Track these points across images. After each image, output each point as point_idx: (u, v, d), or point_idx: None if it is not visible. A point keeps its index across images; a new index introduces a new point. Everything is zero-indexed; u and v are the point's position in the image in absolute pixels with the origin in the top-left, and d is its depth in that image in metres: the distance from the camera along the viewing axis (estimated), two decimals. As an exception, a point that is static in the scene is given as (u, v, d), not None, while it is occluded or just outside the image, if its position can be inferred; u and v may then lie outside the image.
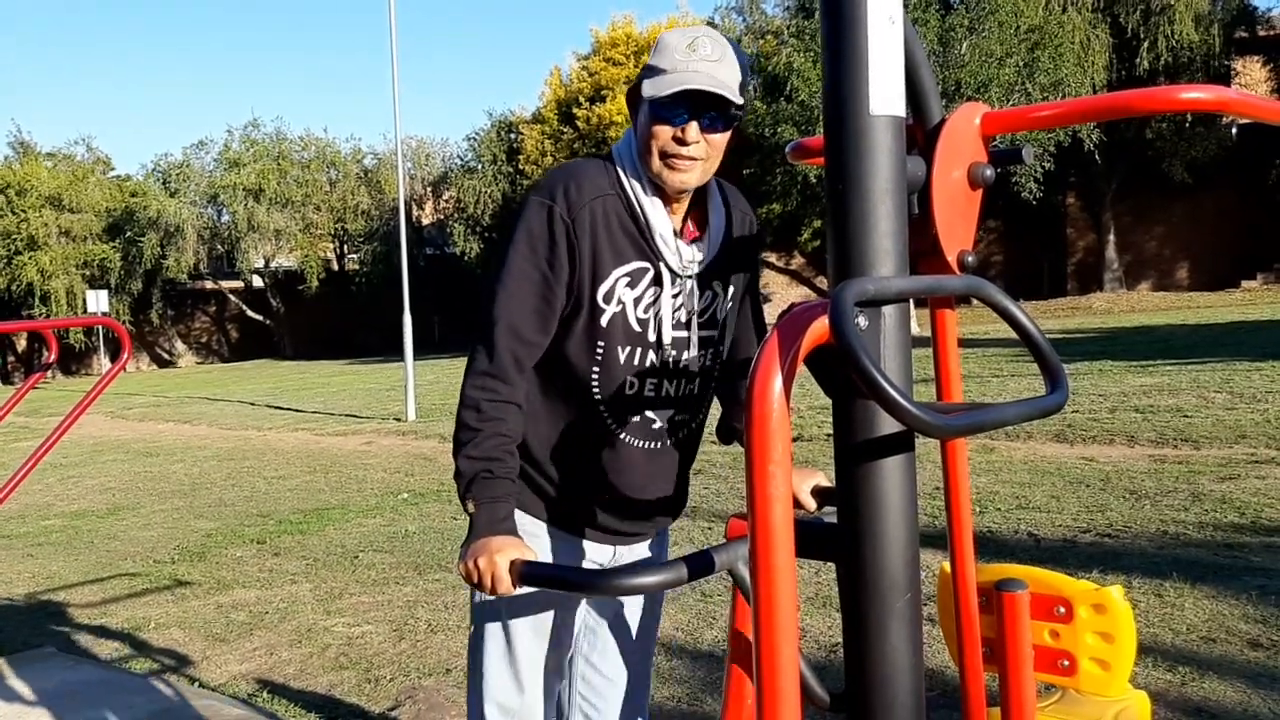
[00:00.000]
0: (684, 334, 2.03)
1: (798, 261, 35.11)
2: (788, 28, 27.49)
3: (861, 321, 1.24)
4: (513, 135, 34.42)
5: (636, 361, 2.00)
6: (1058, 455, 7.90)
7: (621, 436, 2.04)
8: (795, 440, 9.24)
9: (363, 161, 41.79)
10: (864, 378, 1.04)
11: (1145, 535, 5.46)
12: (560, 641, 2.14)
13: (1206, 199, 29.66)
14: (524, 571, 1.49)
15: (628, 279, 1.97)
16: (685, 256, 1.99)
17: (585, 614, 2.20)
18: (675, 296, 2.00)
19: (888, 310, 1.26)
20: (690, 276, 2.01)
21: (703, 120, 1.88)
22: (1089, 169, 28.78)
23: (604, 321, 1.97)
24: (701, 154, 1.90)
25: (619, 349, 1.99)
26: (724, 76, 1.87)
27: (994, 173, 1.42)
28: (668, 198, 1.97)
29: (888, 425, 1.23)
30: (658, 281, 1.99)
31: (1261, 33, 29.51)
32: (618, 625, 2.22)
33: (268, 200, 38.34)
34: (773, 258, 35.05)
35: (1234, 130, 28.78)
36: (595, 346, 1.98)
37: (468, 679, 2.21)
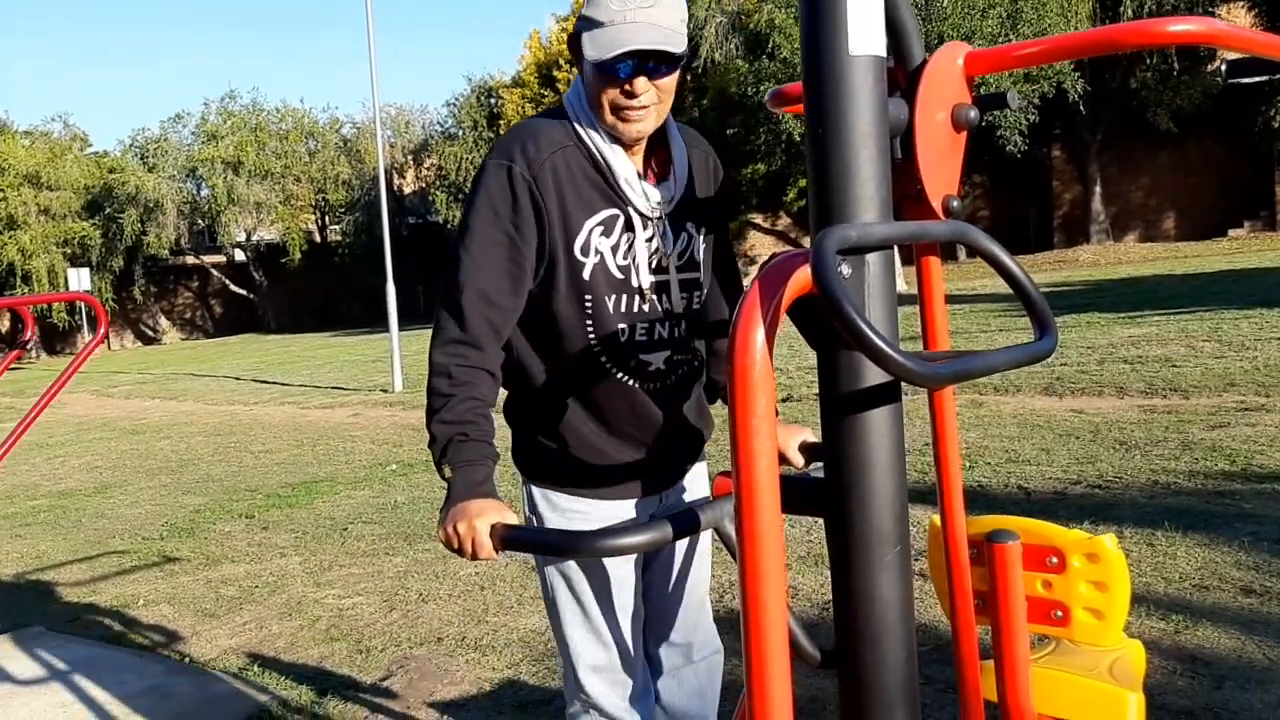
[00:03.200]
0: (664, 277, 2.01)
1: (784, 222, 35.02)
2: (768, -16, 27.19)
3: (845, 270, 1.20)
4: (493, 100, 34.16)
5: (625, 308, 1.99)
6: (1047, 408, 7.89)
7: (626, 381, 2.03)
8: (784, 401, 9.23)
9: (341, 131, 41.44)
10: (848, 327, 1.00)
11: (1136, 485, 5.47)
12: (631, 588, 2.15)
13: (1192, 148, 29.61)
14: (505, 536, 1.46)
15: (601, 228, 1.95)
16: (652, 198, 1.97)
17: (652, 555, 2.22)
18: (650, 240, 1.99)
19: (871, 258, 1.23)
20: (661, 218, 1.99)
21: (648, 69, 1.85)
22: (1074, 120, 28.68)
23: (586, 274, 1.95)
24: (652, 100, 1.88)
25: (606, 298, 1.97)
26: (663, 20, 1.82)
27: (979, 115, 1.37)
28: (626, 143, 1.95)
29: (873, 376, 1.19)
30: (630, 227, 1.97)
31: (1245, -20, 29.34)
32: (674, 554, 2.24)
33: (247, 173, 38.02)
34: (758, 218, 34.94)
35: (1219, 78, 28.70)
36: (584, 300, 1.96)
37: (558, 648, 2.26)
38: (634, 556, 2.16)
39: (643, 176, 1.97)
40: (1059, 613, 1.56)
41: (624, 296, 1.98)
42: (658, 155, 2.02)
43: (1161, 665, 3.31)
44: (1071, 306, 14.37)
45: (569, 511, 2.09)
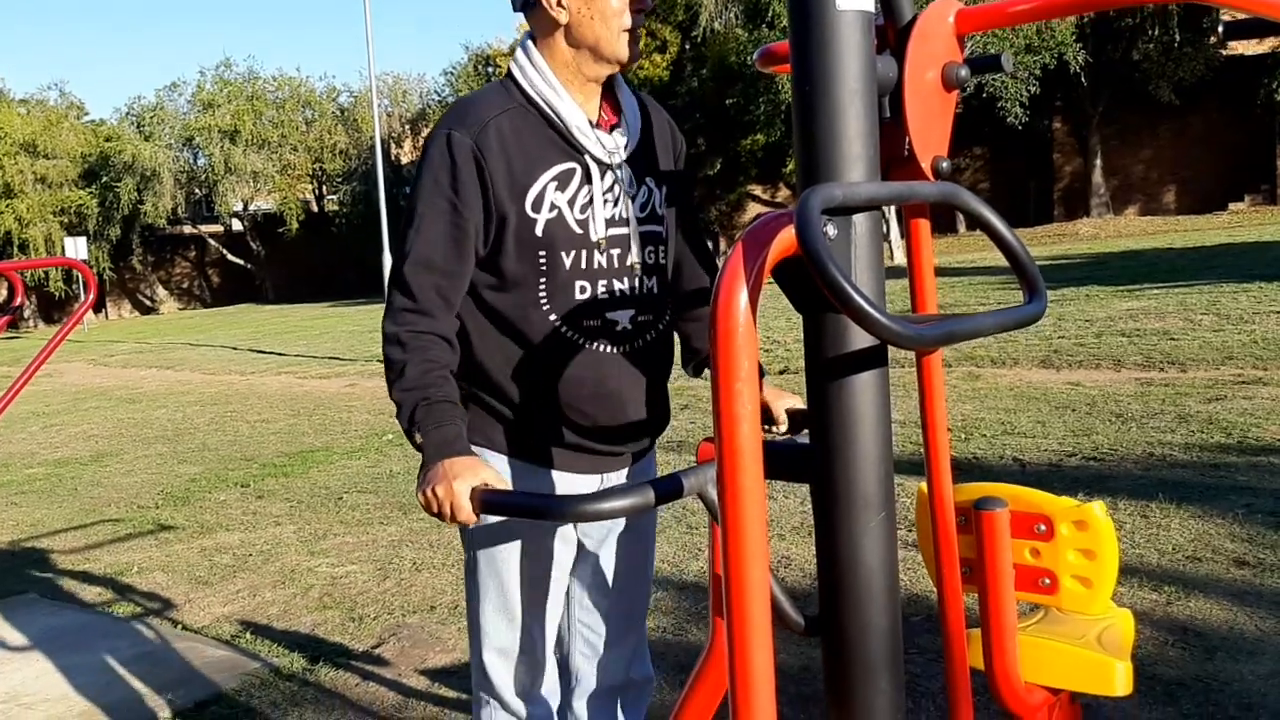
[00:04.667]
0: (624, 230, 1.97)
1: (783, 194, 34.87)
2: (769, -47, 26.99)
3: (830, 231, 1.18)
4: (490, 69, 33.97)
5: (584, 265, 1.94)
6: (1044, 381, 7.88)
7: (586, 345, 1.95)
8: (782, 373, 9.22)
9: (338, 100, 41.22)
10: (832, 288, 0.98)
11: (1131, 457, 5.46)
12: (554, 574, 2.08)
13: (1193, 121, 29.45)
14: (485, 499, 1.44)
15: (556, 182, 1.91)
16: (608, 144, 1.95)
17: (580, 542, 2.14)
18: (610, 190, 1.95)
19: (858, 219, 1.20)
20: (619, 166, 1.96)
21: None
22: (1075, 92, 28.52)
23: (539, 230, 1.90)
24: (641, 24, 1.92)
25: (562, 254, 1.92)
26: None
27: (970, 73, 1.35)
28: (580, 88, 1.94)
29: (859, 339, 1.17)
30: (588, 178, 1.93)
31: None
32: (611, 551, 2.16)
33: (244, 142, 37.82)
34: (758, 190, 34.81)
35: (1221, 51, 28.51)
36: (536, 257, 1.91)
37: (467, 626, 2.19)
38: (567, 548, 2.09)
39: (595, 124, 1.95)
40: (1047, 580, 1.55)
41: (582, 252, 1.93)
42: (607, 104, 2.00)
43: (1153, 636, 3.31)
44: (1071, 279, 14.33)
45: (516, 482, 2.00)
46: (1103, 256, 18.92)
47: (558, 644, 2.22)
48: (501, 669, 2.10)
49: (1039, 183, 32.62)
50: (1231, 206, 28.04)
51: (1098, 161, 30.15)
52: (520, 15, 1.98)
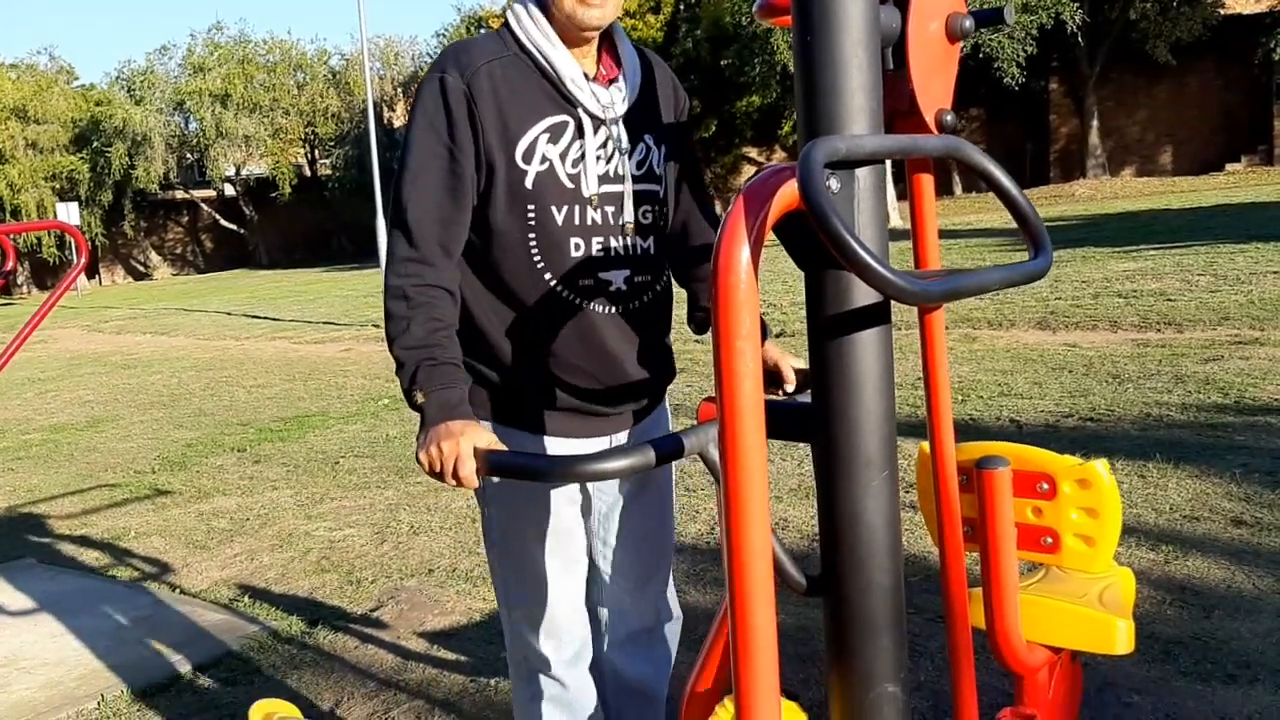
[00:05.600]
0: (618, 187, 1.93)
1: (779, 156, 34.68)
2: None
3: (833, 184, 1.16)
4: (483, 29, 33.63)
5: (577, 221, 1.90)
6: (1040, 342, 7.88)
7: (581, 304, 1.92)
8: (779, 336, 9.20)
9: (329, 63, 40.85)
10: (835, 242, 0.96)
11: (1128, 418, 5.46)
12: (574, 537, 2.06)
13: (1190, 81, 29.29)
14: (489, 459, 1.42)
15: (547, 135, 1.87)
16: (603, 99, 1.90)
17: (597, 502, 2.11)
18: (603, 146, 1.91)
19: (861, 173, 1.18)
20: (614, 121, 1.91)
21: None
22: (1071, 52, 28.33)
23: (529, 183, 1.86)
24: None
25: (553, 209, 1.88)
26: None
27: (974, 24, 1.32)
28: (574, 41, 1.88)
29: (862, 295, 1.15)
30: (581, 132, 1.89)
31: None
32: (629, 509, 2.13)
33: (235, 106, 37.52)
34: (753, 152, 34.62)
35: (1219, 10, 28.30)
36: (525, 211, 1.87)
37: (496, 598, 2.20)
38: (579, 504, 2.06)
39: (591, 79, 1.90)
40: (1049, 539, 1.54)
41: (575, 208, 1.89)
42: (607, 59, 1.95)
43: (1151, 595, 3.32)
44: (1067, 241, 14.29)
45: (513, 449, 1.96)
46: (1099, 218, 18.87)
47: (585, 596, 2.20)
48: (533, 635, 2.08)
49: (1035, 144, 32.49)
50: (1228, 167, 27.96)
51: (1094, 122, 29.99)
52: None
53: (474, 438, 1.61)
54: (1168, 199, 21.85)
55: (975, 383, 6.67)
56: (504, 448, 1.62)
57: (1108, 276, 10.43)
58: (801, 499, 4.63)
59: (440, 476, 1.63)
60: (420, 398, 1.73)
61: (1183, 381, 6.08)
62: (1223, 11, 27.90)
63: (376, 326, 13.94)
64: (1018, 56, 23.55)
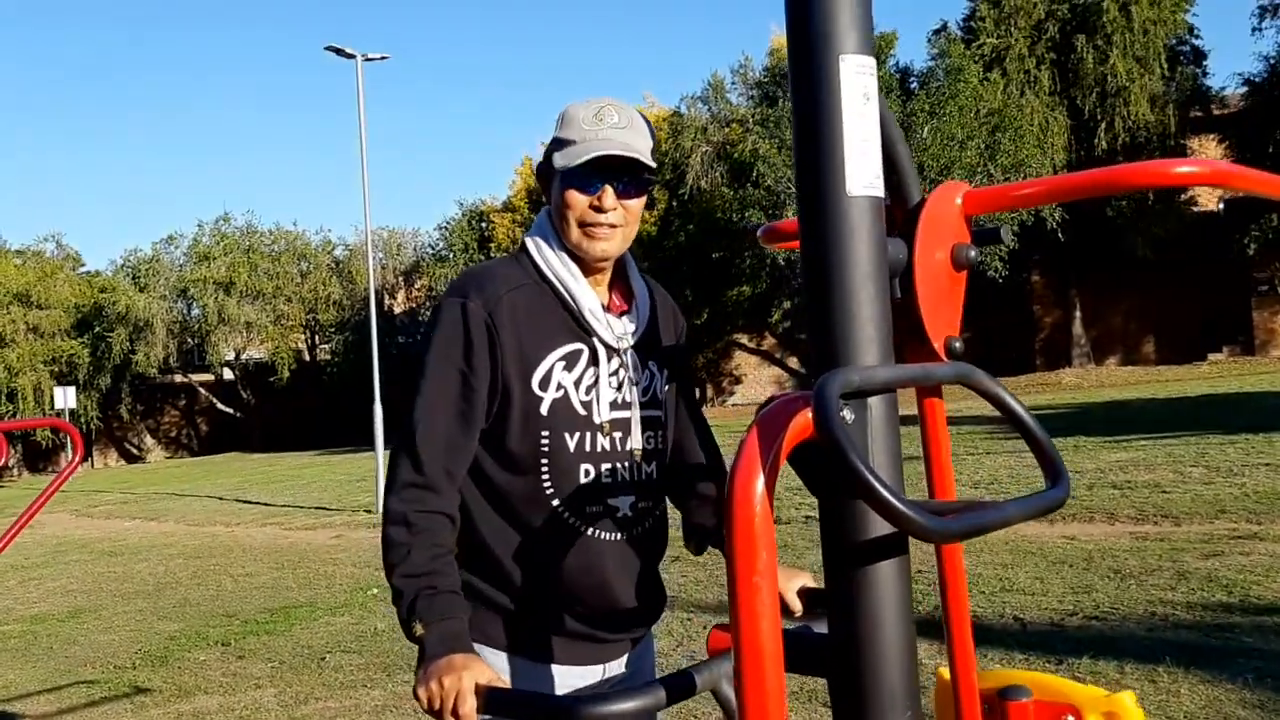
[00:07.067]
0: (626, 414, 1.94)
1: (769, 343, 35.24)
2: (752, 115, 27.97)
3: (847, 414, 1.16)
4: (484, 224, 34.63)
5: (588, 447, 1.90)
6: (1039, 534, 7.80)
7: (587, 531, 1.90)
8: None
9: (334, 252, 41.82)
10: (854, 477, 0.95)
11: (1134, 617, 5.36)
12: None
13: (1170, 274, 30.09)
14: (490, 697, 1.37)
15: (563, 362, 1.89)
16: (617, 329, 1.94)
17: None
18: (615, 374, 1.93)
19: (874, 402, 1.18)
20: (626, 350, 1.95)
21: (617, 186, 1.87)
22: (1053, 246, 29.21)
23: (544, 410, 1.87)
24: (619, 220, 1.89)
25: (566, 435, 1.88)
26: (634, 142, 1.86)
27: (978, 254, 1.36)
28: (590, 271, 1.92)
29: (879, 526, 1.14)
30: (595, 360, 1.92)
31: (1216, 111, 30.23)
32: None
33: (238, 293, 38.18)
34: (744, 339, 35.18)
35: (1193, 208, 29.35)
36: (540, 437, 1.87)
37: None
38: None
39: (606, 309, 1.94)
40: (1075, 774, 1.47)
41: (586, 434, 1.89)
42: (619, 289, 2.00)
43: (1171, 812, 3.18)
44: (1057, 430, 14.35)
45: (504, 674, 1.88)
46: (1087, 406, 19.03)
47: None
48: None
49: (1019, 334, 33.07)
50: (1210, 357, 28.42)
51: (1077, 313, 30.66)
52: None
53: (476, 674, 1.56)
54: (1153, 388, 22.10)
55: (976, 576, 6.57)
56: (505, 683, 1.57)
57: (1100, 467, 10.43)
58: (803, 703, 4.49)
59: (439, 715, 1.57)
60: (420, 629, 1.68)
61: (1185, 578, 5.99)
62: (1195, 210, 28.95)
63: (369, 512, 13.80)
64: (1001, 252, 24.25)
